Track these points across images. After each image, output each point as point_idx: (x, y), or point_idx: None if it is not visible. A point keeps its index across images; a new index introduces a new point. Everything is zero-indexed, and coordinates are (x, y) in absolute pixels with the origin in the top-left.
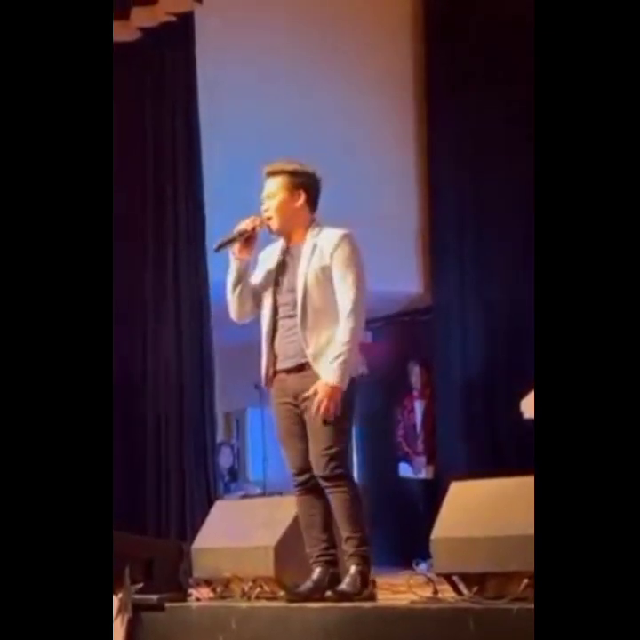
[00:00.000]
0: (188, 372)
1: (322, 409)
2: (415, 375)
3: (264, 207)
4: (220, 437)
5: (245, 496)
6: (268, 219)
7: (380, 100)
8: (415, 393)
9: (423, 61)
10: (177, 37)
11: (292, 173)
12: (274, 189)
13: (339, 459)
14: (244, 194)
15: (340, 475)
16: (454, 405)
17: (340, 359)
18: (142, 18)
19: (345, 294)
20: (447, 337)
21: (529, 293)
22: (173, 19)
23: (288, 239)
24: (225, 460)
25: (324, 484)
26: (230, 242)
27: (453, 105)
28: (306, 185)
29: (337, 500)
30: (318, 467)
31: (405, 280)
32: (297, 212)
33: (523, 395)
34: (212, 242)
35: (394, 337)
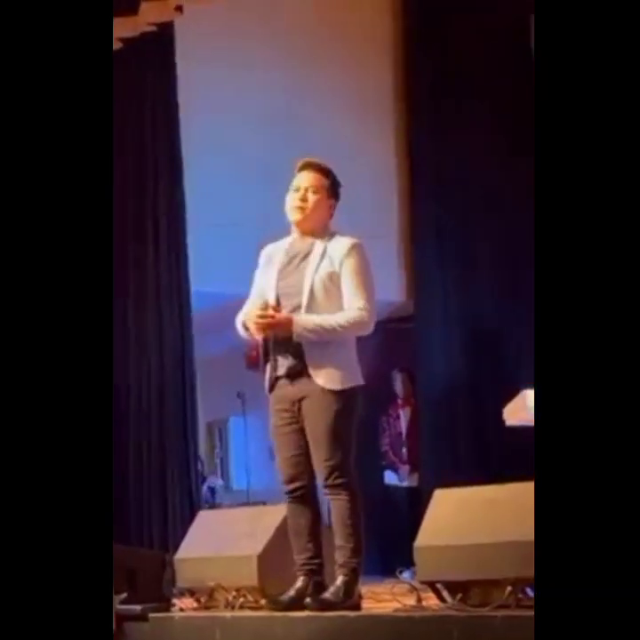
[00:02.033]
0: (169, 382)
1: (261, 323)
2: (399, 383)
3: (299, 195)
4: (202, 447)
5: (211, 488)
6: (301, 208)
7: (361, 113)
8: (400, 401)
9: (404, 75)
10: (158, 47)
11: (334, 181)
12: (318, 185)
13: (340, 469)
14: (225, 202)
15: (342, 484)
16: (438, 413)
17: (321, 323)
18: (123, 28)
19: (354, 303)
20: (430, 345)
21: (511, 300)
22: (154, 28)
23: (303, 237)
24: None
25: (325, 491)
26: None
27: (435, 117)
28: (337, 196)
29: (335, 508)
30: (320, 476)
31: (387, 288)
32: (324, 217)
33: (506, 402)
34: (193, 251)
35: (377, 345)
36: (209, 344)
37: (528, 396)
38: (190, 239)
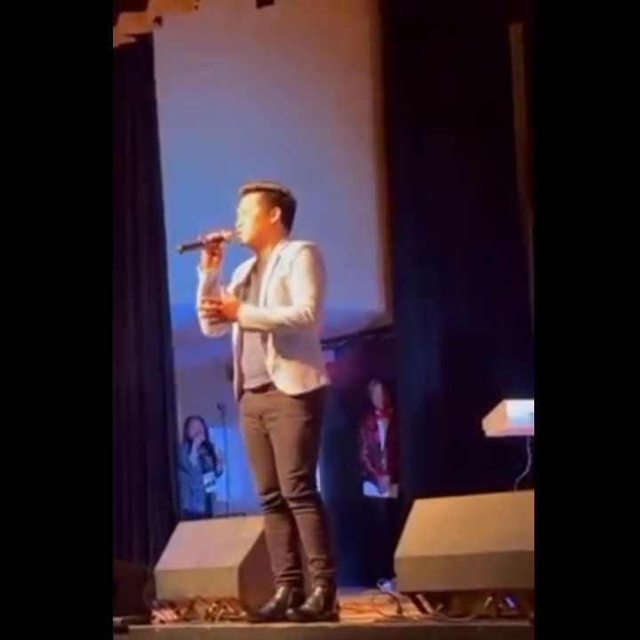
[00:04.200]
0: (149, 392)
1: (207, 309)
2: (377, 394)
3: (238, 222)
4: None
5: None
6: (239, 233)
7: (340, 124)
8: (378, 412)
9: (382, 90)
10: (136, 59)
11: (269, 191)
12: (249, 205)
13: (306, 480)
14: (204, 215)
15: (308, 496)
16: (418, 423)
17: (266, 313)
18: None
19: (299, 300)
20: (409, 355)
21: (492, 310)
22: (133, 40)
23: (259, 254)
24: (196, 435)
25: (291, 504)
26: (195, 246)
27: (414, 127)
28: (281, 202)
29: (303, 520)
30: (286, 488)
31: (367, 298)
32: (271, 228)
33: (485, 412)
34: (173, 264)
35: (356, 356)
36: (190, 356)
37: (508, 406)
38: (171, 251)
